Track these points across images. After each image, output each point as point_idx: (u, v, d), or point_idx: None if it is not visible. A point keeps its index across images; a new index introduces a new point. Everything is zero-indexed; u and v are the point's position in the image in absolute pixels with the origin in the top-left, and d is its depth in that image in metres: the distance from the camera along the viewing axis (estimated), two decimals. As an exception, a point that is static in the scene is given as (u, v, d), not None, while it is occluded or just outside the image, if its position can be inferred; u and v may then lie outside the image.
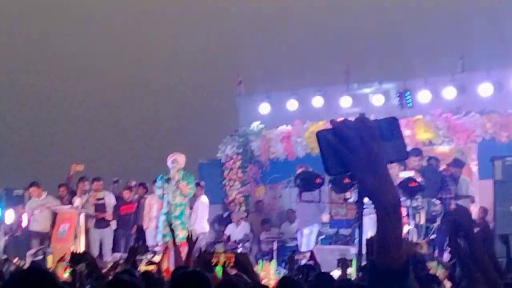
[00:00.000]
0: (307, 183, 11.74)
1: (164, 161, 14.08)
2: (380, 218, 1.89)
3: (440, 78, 16.38)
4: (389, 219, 1.87)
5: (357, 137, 1.86)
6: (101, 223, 15.74)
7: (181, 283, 4.52)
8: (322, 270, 9.20)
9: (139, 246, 14.07)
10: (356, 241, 10.79)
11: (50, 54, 21.82)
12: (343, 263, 10.89)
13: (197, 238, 7.30)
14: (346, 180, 11.13)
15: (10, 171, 18.65)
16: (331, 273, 10.16)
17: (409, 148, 15.02)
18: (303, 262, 11.48)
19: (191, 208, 14.63)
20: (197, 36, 21.98)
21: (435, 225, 12.71)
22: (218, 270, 6.90)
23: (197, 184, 15.36)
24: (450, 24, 17.15)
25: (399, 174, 13.20)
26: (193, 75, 21.24)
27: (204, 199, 15.55)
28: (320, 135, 1.95)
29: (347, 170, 1.92)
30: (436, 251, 12.38)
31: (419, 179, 12.79)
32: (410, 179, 12.26)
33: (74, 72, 21.84)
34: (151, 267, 10.22)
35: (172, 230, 10.13)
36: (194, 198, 15.00)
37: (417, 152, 14.02)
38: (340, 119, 1.95)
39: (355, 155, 1.86)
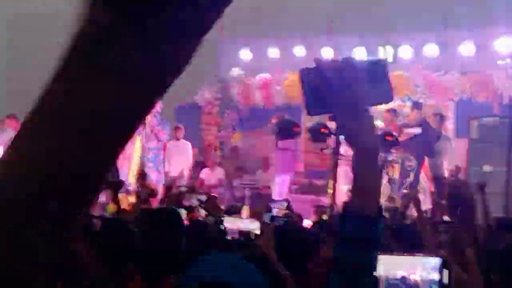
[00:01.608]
0: (285, 131, 11.74)
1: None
2: (358, 162, 1.89)
3: (422, 35, 16.37)
4: (367, 162, 1.87)
5: (341, 79, 1.83)
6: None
7: (150, 219, 4.50)
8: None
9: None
10: (330, 191, 10.82)
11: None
12: (319, 210, 10.97)
13: (171, 185, 7.31)
14: (324, 130, 11.16)
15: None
16: (305, 221, 10.29)
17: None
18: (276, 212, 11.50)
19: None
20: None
21: (408, 180, 12.85)
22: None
23: (178, 128, 15.33)
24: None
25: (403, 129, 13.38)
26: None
27: (185, 142, 15.50)
28: (303, 74, 1.91)
29: (329, 111, 1.90)
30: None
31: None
32: (386, 133, 12.32)
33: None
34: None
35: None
36: (175, 141, 15.06)
37: (418, 105, 14.17)
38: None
39: (337, 96, 1.84)
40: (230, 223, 5.19)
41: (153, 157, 14.08)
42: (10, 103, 16.95)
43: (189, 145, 15.52)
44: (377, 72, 1.94)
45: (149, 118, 13.81)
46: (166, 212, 4.64)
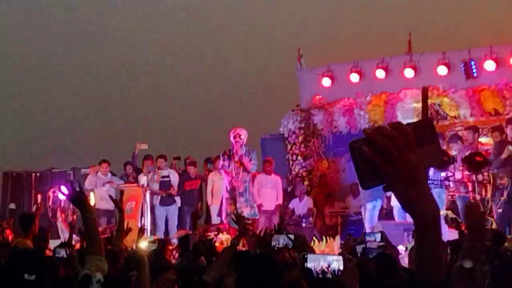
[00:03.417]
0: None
1: (225, 136, 14.12)
2: (419, 231, 1.84)
3: (505, 47, 15.97)
4: (428, 232, 1.82)
5: (394, 147, 1.79)
6: (167, 200, 15.89)
7: (246, 269, 4.49)
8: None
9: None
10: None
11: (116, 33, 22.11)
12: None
13: (243, 221, 7.28)
14: None
15: (76, 151, 19.02)
16: (398, 247, 10.11)
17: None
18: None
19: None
20: (258, 10, 21.88)
21: (502, 198, 12.47)
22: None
23: (267, 161, 15.24)
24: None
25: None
26: (254, 49, 21.21)
27: (275, 176, 15.36)
28: (353, 146, 1.86)
29: (383, 182, 1.85)
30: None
31: None
32: (475, 154, 12.05)
33: (135, 52, 22.07)
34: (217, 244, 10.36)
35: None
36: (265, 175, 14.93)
37: None
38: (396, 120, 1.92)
39: (391, 166, 1.81)
40: (314, 261, 5.16)
41: (244, 191, 14.02)
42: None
43: (279, 179, 15.40)
44: (425, 134, 1.88)
45: (236, 148, 13.81)
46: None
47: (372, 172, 1.82)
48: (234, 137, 13.88)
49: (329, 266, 5.13)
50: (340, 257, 5.30)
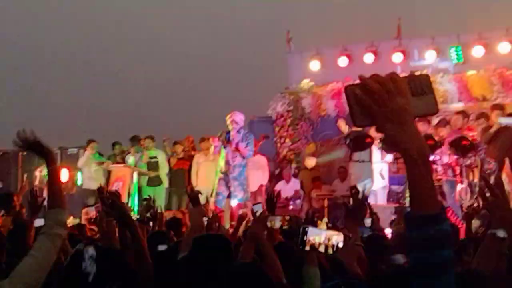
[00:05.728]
0: (357, 143, 11.67)
1: (214, 118, 14.06)
2: (409, 167, 1.95)
3: (494, 33, 16.04)
4: (417, 166, 1.92)
5: (384, 91, 1.88)
6: (154, 181, 15.89)
7: (200, 247, 4.43)
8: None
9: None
10: (408, 198, 10.67)
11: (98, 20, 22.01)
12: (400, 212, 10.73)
13: (244, 217, 7.29)
14: (368, 140, 11.07)
15: (63, 130, 18.95)
16: (386, 230, 10.14)
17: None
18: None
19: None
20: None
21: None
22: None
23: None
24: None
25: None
26: (243, 33, 21.16)
27: (260, 156, 15.44)
28: (348, 89, 2.01)
29: (374, 123, 1.97)
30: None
31: None
32: (462, 138, 12.11)
33: (124, 37, 21.99)
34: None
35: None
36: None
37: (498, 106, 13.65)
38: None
39: (381, 108, 1.91)
40: (314, 235, 5.11)
41: (238, 175, 13.87)
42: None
43: (264, 159, 15.50)
44: (420, 85, 2.01)
45: (233, 134, 13.72)
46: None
47: (364, 113, 1.91)
48: (231, 123, 13.76)
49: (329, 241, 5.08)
50: (340, 234, 5.24)
